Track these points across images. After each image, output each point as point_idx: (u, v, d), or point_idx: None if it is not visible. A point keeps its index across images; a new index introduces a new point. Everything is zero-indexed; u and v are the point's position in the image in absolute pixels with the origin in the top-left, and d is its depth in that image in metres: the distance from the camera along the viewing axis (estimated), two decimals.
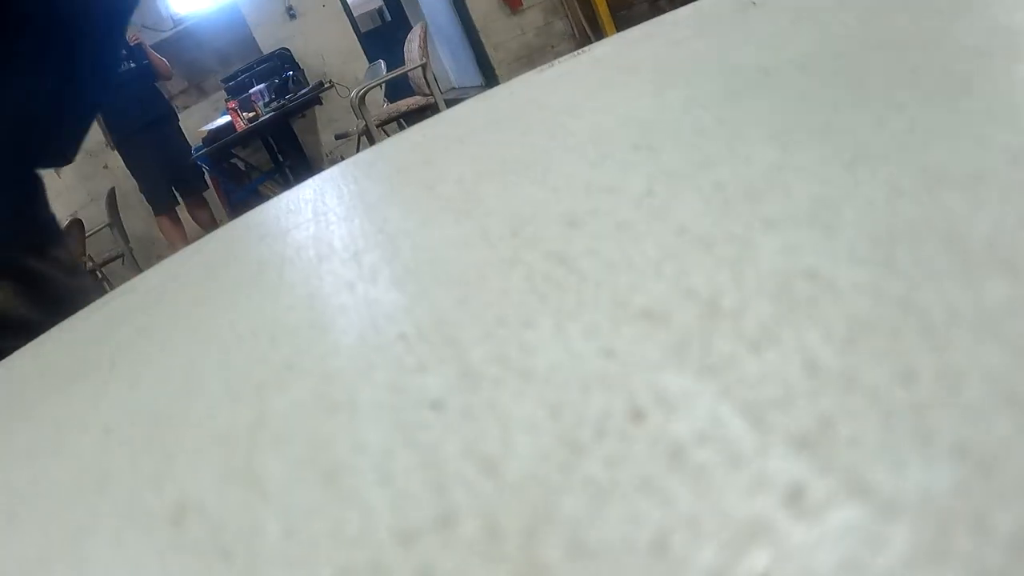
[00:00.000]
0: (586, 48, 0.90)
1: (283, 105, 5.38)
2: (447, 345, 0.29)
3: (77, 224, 4.68)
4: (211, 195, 5.43)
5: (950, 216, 0.24)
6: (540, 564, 0.17)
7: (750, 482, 0.17)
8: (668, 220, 0.32)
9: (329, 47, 6.07)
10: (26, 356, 0.68)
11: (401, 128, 4.62)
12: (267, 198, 0.95)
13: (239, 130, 5.24)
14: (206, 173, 5.43)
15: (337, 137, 5.45)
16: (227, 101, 5.40)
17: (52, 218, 1.09)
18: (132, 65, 4.92)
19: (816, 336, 0.21)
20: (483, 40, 6.25)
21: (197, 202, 5.15)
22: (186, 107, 5.97)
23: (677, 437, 0.19)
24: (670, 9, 0.90)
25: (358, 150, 4.45)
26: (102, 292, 0.88)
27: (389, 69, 4.92)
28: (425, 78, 4.39)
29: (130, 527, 0.27)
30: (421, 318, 0.33)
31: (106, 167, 5.68)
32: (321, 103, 5.84)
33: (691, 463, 0.18)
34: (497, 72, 6.25)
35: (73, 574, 0.26)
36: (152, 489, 0.29)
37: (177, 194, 5.08)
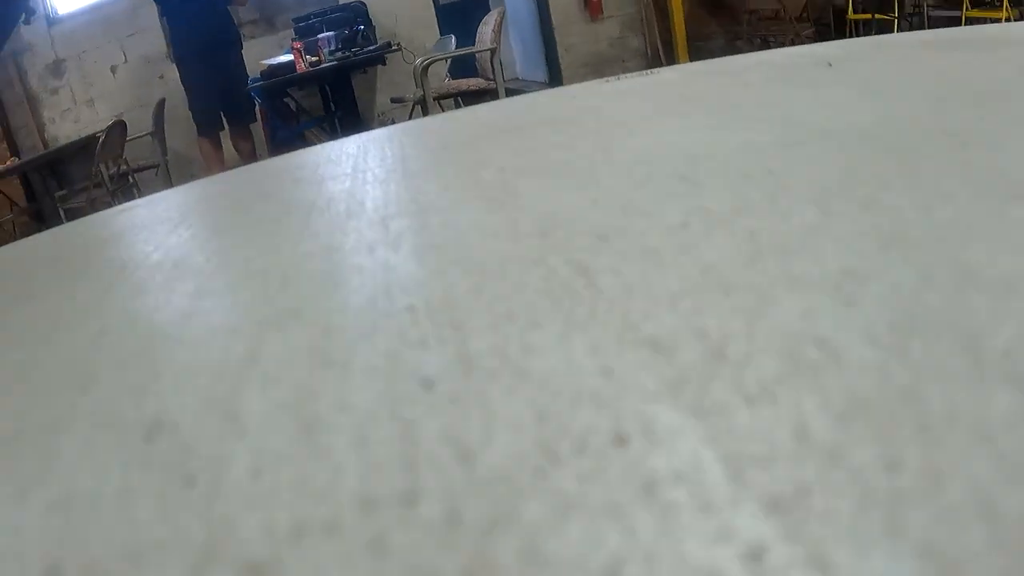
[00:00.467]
0: (656, 70, 0.90)
1: (347, 57, 5.39)
2: (451, 328, 0.30)
3: (119, 126, 4.69)
4: (257, 128, 5.45)
5: (972, 318, 0.23)
6: (491, 562, 0.18)
7: (715, 532, 0.17)
8: (695, 257, 0.31)
9: (405, 11, 6.07)
10: (44, 241, 0.69)
11: (457, 106, 4.62)
12: (311, 143, 0.95)
13: (299, 71, 5.26)
14: (257, 106, 5.44)
15: (393, 100, 5.46)
16: (294, 41, 5.40)
17: None
18: None
19: (812, 404, 0.21)
20: (556, 39, 6.24)
21: (242, 132, 5.15)
22: (252, 37, 5.99)
23: (654, 470, 0.19)
24: (747, 51, 0.90)
25: (410, 117, 4.46)
26: None
27: (459, 46, 4.92)
28: (492, 63, 4.39)
29: (103, 432, 0.27)
30: (432, 295, 0.33)
31: (161, 77, 5.70)
32: (384, 63, 5.84)
33: (662, 499, 0.18)
34: (563, 73, 6.24)
35: (37, 463, 0.26)
36: (132, 399, 0.29)
37: (224, 120, 5.09)
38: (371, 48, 5.62)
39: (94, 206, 4.28)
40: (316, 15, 5.86)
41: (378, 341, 0.30)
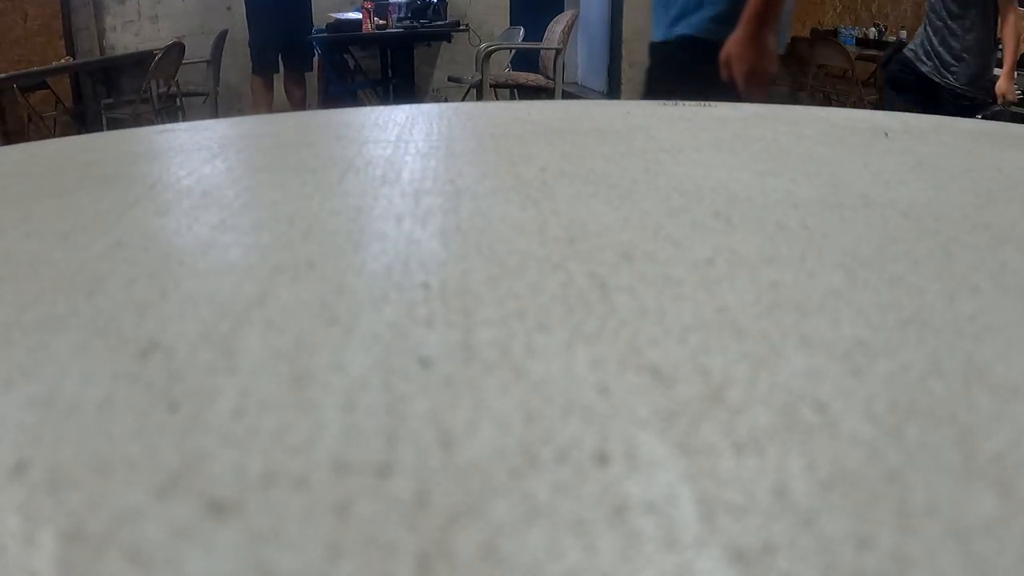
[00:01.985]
0: (715, 104, 0.89)
1: (414, 27, 5.41)
2: (461, 313, 0.30)
3: (178, 47, 4.71)
4: (311, 78, 5.46)
5: (972, 415, 0.23)
6: (449, 551, 0.18)
7: (674, 569, 0.17)
8: (714, 295, 0.31)
9: None
10: (82, 144, 0.69)
11: (512, 97, 4.63)
12: (362, 104, 0.96)
13: (364, 31, 5.28)
14: (316, 55, 5.46)
15: (450, 79, 5.47)
16: (365, 1, 5.42)
17: None
18: None
19: (798, 465, 0.21)
20: (623, 53, 6.23)
21: (296, 79, 5.17)
22: None
23: (628, 496, 0.19)
24: (808, 103, 0.90)
25: (463, 99, 4.46)
26: None
27: (526, 39, 4.93)
28: (555, 62, 4.39)
29: (98, 340, 0.28)
30: (449, 278, 0.33)
31: (229, 9, 5.71)
32: (450, 41, 5.85)
33: (630, 525, 0.18)
34: (623, 87, 6.23)
35: (27, 357, 0.26)
36: (134, 315, 0.29)
37: (281, 63, 5.11)
38: (440, 23, 5.63)
39: (137, 120, 4.31)
40: None
41: (386, 311, 0.30)
